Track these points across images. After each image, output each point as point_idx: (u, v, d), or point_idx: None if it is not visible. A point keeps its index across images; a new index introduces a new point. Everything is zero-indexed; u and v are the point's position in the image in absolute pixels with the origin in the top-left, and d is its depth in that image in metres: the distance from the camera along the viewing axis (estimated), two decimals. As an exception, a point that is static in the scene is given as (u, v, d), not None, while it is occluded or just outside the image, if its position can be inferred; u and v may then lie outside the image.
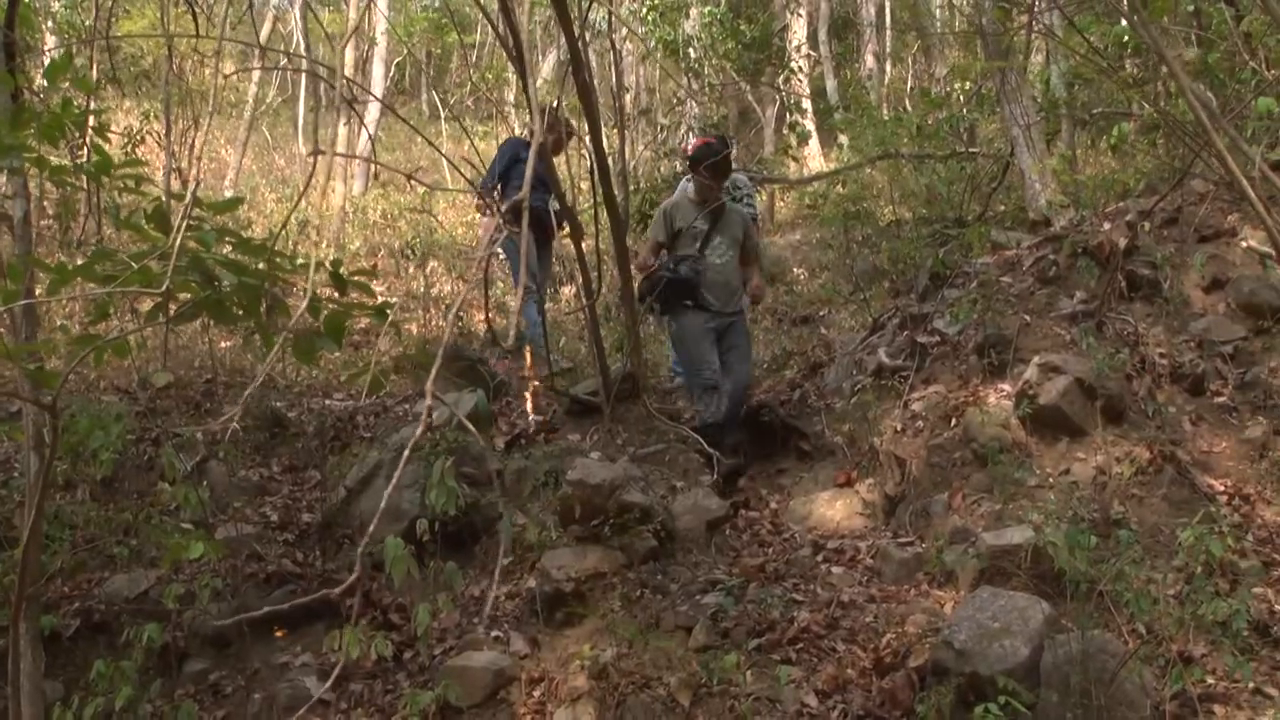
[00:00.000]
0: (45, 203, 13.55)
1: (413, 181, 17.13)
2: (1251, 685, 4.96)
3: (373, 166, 19.40)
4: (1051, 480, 6.76)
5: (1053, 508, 6.24)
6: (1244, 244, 7.19)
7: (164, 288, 2.93)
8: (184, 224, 3.09)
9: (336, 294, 3.64)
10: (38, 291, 5.08)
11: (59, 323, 10.78)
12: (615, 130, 10.47)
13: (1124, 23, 10.49)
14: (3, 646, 5.50)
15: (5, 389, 5.30)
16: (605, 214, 7.98)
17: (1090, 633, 4.96)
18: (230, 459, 8.66)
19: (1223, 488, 6.64)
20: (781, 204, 18.20)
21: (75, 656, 6.75)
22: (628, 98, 18.57)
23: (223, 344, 11.87)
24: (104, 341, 3.52)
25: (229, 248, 3.56)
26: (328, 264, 3.57)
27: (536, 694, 6.00)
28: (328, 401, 9.82)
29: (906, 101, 21.22)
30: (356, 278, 3.82)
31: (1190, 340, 7.87)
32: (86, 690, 6.08)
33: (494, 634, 6.54)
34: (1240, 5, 9.91)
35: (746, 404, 8.88)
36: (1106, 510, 6.29)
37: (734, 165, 9.93)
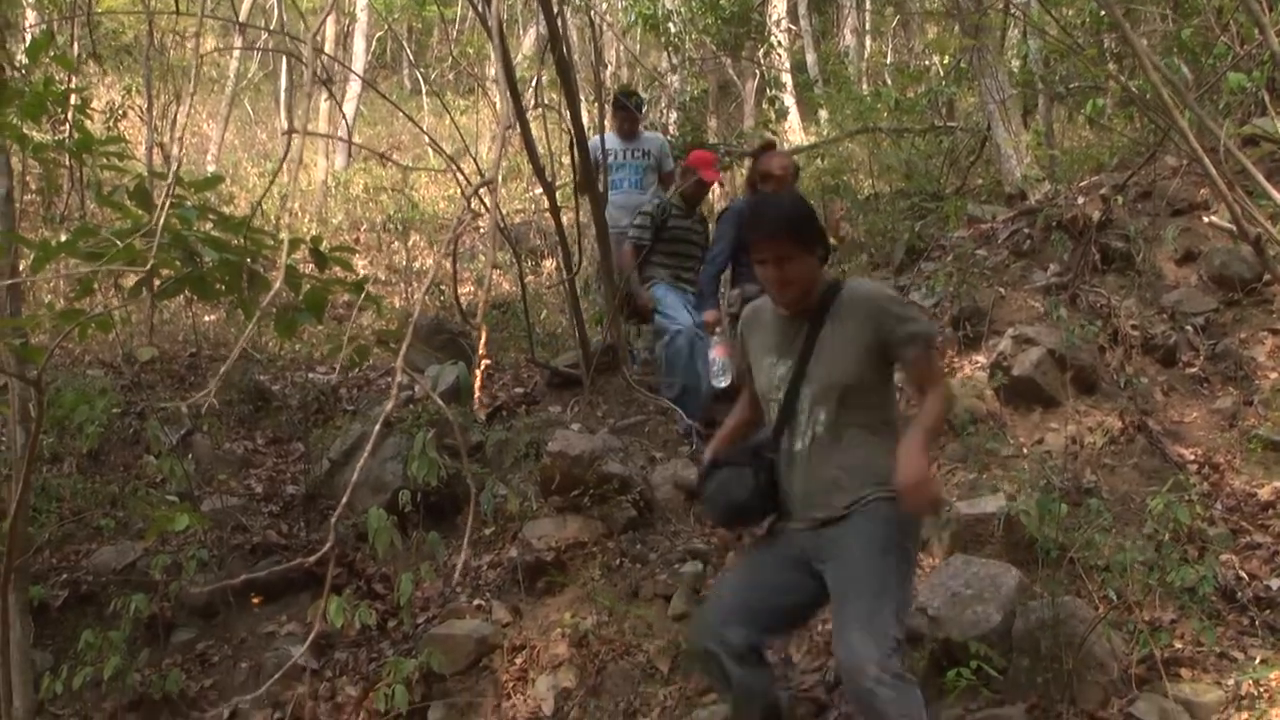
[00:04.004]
0: (28, 179, 13.51)
1: (388, 161, 17.17)
2: (1218, 649, 5.07)
3: (355, 140, 19.37)
4: (1025, 450, 6.85)
5: (1026, 477, 6.33)
6: (1206, 219, 7.27)
7: (148, 265, 2.99)
8: (166, 202, 3.16)
9: (316, 269, 3.71)
10: (21, 268, 5.13)
11: (46, 298, 10.80)
12: (595, 105, 10.48)
13: (1097, -2, 10.56)
14: (-9, 617, 5.58)
15: (-10, 364, 5.36)
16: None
17: (1061, 599, 5.05)
18: (214, 432, 8.72)
19: (1193, 457, 6.74)
20: (762, 178, 18.21)
21: (64, 627, 6.82)
22: (608, 73, 18.59)
23: (206, 318, 11.90)
24: (88, 317, 3.58)
25: (210, 224, 3.62)
26: (308, 239, 3.64)
27: (518, 661, 6.09)
28: (311, 375, 9.87)
29: (886, 76, 21.24)
30: (337, 253, 3.89)
31: (1162, 312, 7.97)
32: (75, 660, 6.17)
33: (476, 603, 6.63)
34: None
35: None
36: (1078, 479, 6.38)
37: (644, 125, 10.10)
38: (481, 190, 5.44)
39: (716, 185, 9.94)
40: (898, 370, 4.17)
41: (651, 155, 9.62)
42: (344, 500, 2.77)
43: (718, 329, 7.77)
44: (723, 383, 7.51)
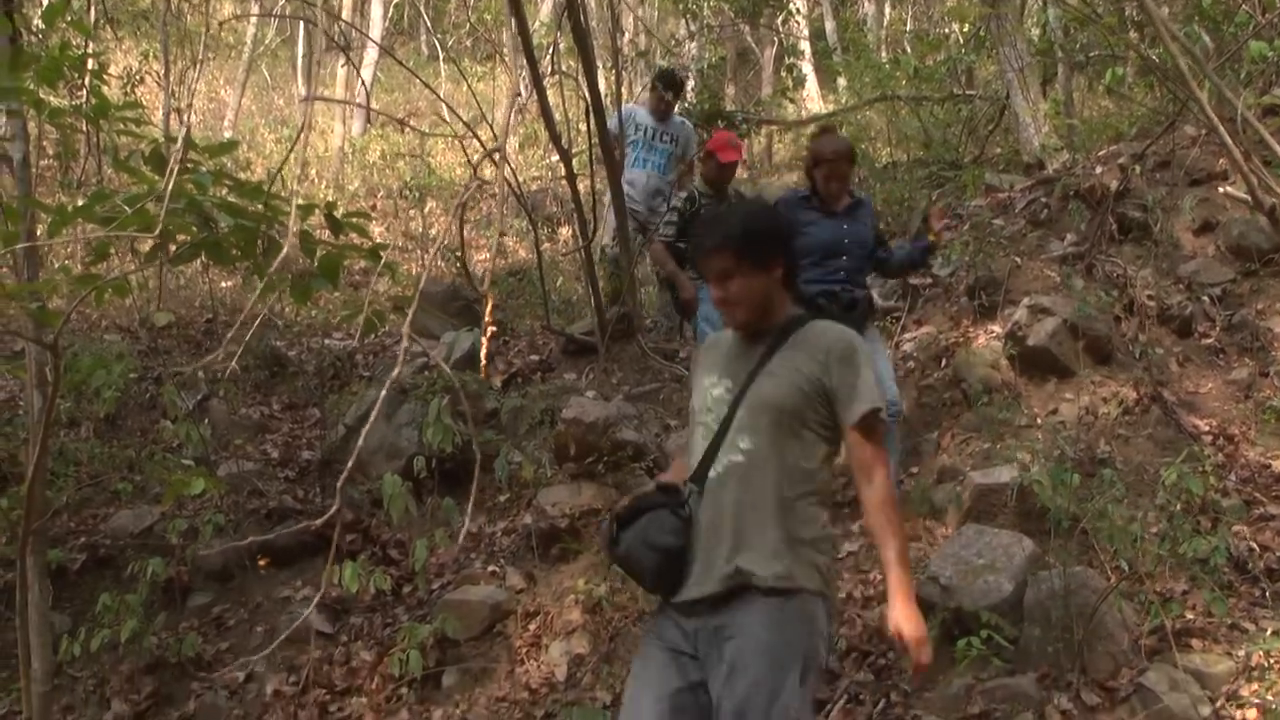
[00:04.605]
0: (45, 144, 13.55)
1: (405, 127, 17.14)
2: (1229, 621, 5.07)
3: (373, 106, 19.35)
4: (1039, 420, 6.85)
5: (1039, 447, 6.32)
6: (1221, 189, 7.23)
7: (158, 230, 3.01)
8: (178, 167, 3.17)
9: (331, 235, 3.72)
10: (39, 232, 5.15)
11: (63, 262, 10.84)
12: (611, 72, 10.46)
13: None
14: (11, 580, 5.63)
15: (8, 328, 5.38)
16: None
17: (1072, 569, 5.07)
18: (231, 398, 8.76)
19: (1208, 428, 6.73)
20: (779, 145, 18.16)
21: (82, 590, 6.89)
22: (625, 40, 18.52)
23: (224, 284, 11.93)
24: (104, 281, 3.60)
25: (226, 190, 3.63)
26: (323, 206, 3.65)
27: (532, 627, 6.13)
28: (327, 341, 9.90)
29: (906, 44, 21.12)
30: (352, 219, 3.90)
31: (1179, 282, 7.95)
32: (93, 622, 6.23)
33: (491, 569, 6.67)
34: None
35: None
36: (1092, 449, 6.38)
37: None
38: (492, 156, 5.43)
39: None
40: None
41: (678, 143, 9.56)
42: (349, 464, 2.78)
43: None
44: None
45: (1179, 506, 5.52)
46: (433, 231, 14.93)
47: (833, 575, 3.59)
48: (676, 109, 10.10)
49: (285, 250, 2.73)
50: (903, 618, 3.33)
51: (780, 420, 3.49)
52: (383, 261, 3.59)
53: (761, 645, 3.32)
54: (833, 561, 3.66)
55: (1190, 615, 5.11)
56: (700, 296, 7.55)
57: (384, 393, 2.73)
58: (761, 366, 3.57)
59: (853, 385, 3.48)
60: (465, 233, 10.87)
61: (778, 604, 3.36)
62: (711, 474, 3.54)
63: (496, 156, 3.39)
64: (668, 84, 9.53)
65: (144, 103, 5.71)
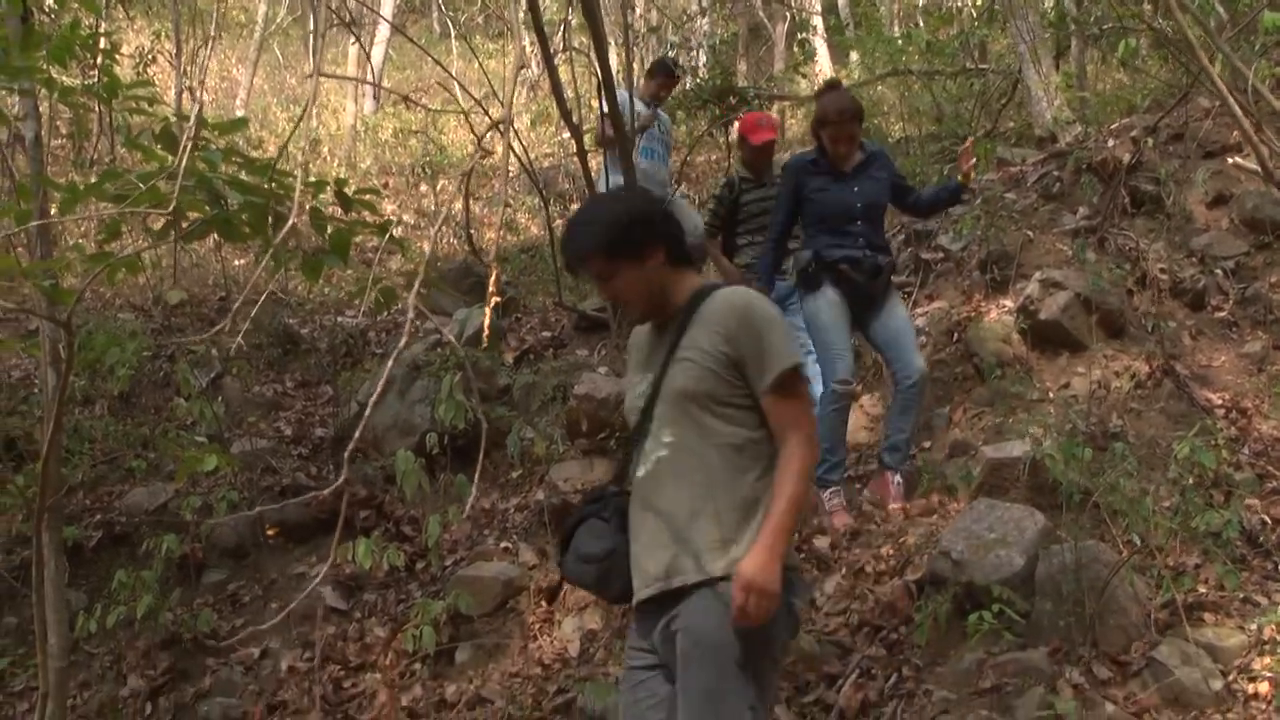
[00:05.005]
0: (58, 123, 13.58)
1: (413, 104, 17.11)
2: (1241, 594, 5.06)
3: (385, 84, 19.33)
4: (1051, 394, 6.84)
5: (1051, 421, 6.32)
6: (1231, 160, 7.20)
7: (170, 207, 3.02)
8: (189, 145, 3.17)
9: (342, 211, 3.72)
10: (52, 211, 5.17)
11: (77, 240, 10.88)
12: (622, 49, 10.44)
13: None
14: (27, 557, 5.67)
15: (22, 306, 5.41)
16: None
17: (1084, 543, 5.06)
18: (244, 375, 8.80)
19: (1220, 401, 6.71)
20: (792, 121, 18.11)
21: (98, 567, 6.94)
22: (636, 16, 18.46)
23: (236, 262, 11.96)
24: (116, 259, 3.61)
25: (236, 167, 3.64)
26: (333, 182, 3.65)
27: (545, 603, 6.14)
28: (340, 318, 9.93)
29: (919, 19, 21.05)
30: (365, 196, 3.91)
31: (1192, 255, 7.92)
32: (109, 599, 6.29)
33: (503, 545, 6.70)
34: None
35: None
36: (1104, 423, 6.37)
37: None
38: (496, 131, 5.43)
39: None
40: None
41: (668, 130, 9.51)
42: (355, 436, 2.79)
43: None
44: None
45: (1191, 480, 5.52)
46: (454, 207, 14.95)
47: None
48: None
49: (289, 224, 2.72)
50: (749, 562, 3.17)
51: (696, 405, 3.36)
52: (387, 235, 3.59)
53: (701, 636, 3.25)
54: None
55: (1202, 589, 5.10)
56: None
57: (389, 365, 2.75)
58: (671, 354, 3.42)
59: (759, 351, 3.32)
60: (478, 210, 10.90)
61: (716, 595, 3.24)
62: (640, 472, 3.44)
63: (503, 129, 3.38)
64: (672, 69, 9.48)
65: (156, 82, 5.73)
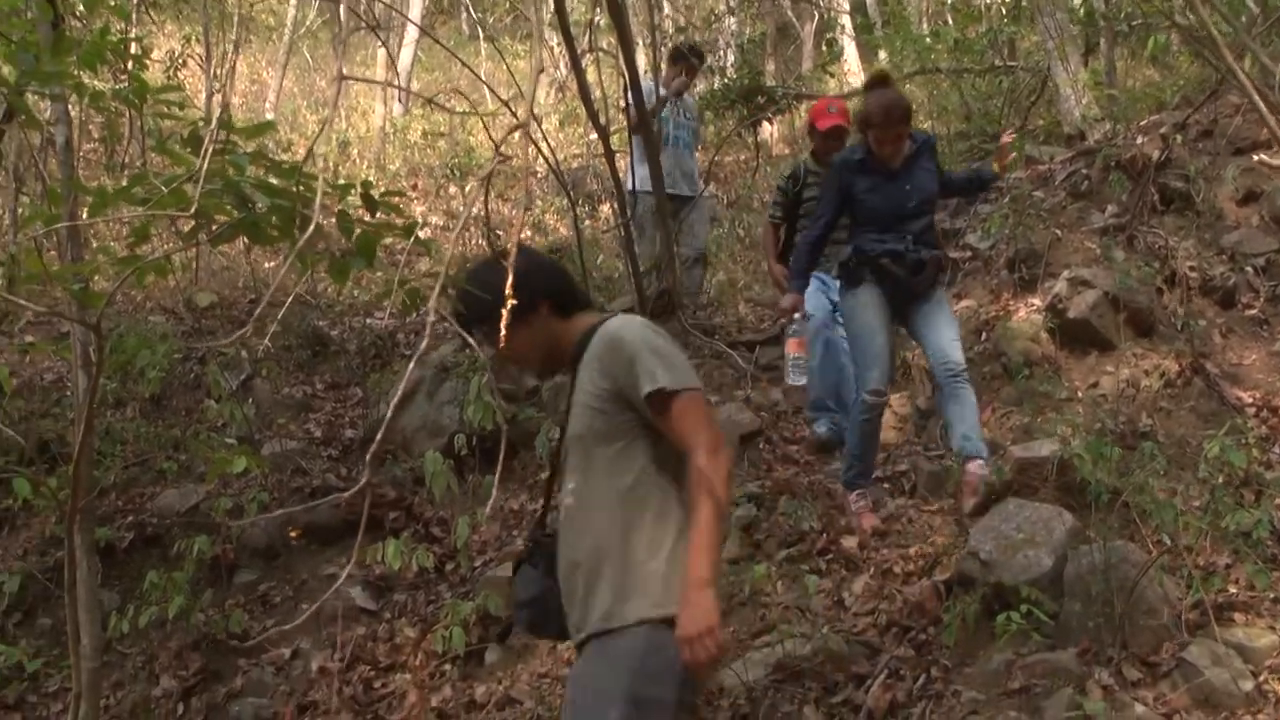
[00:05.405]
0: (91, 127, 13.68)
1: (437, 106, 17.16)
2: (1272, 594, 5.02)
3: (412, 87, 19.39)
4: (1080, 393, 6.82)
5: (1080, 421, 6.29)
6: (1256, 158, 7.16)
7: (193, 210, 3.04)
8: (212, 149, 3.20)
9: (368, 214, 3.74)
10: (82, 214, 5.21)
11: (109, 243, 10.96)
12: (650, 49, 10.45)
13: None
14: (61, 558, 5.71)
15: (53, 310, 5.46)
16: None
17: (1113, 543, 5.03)
18: (274, 377, 8.84)
19: (1251, 400, 6.68)
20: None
21: (130, 568, 6.99)
22: (663, 16, 18.46)
23: (266, 264, 12.02)
24: (145, 262, 3.64)
25: (263, 170, 3.66)
26: (358, 186, 3.67)
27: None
28: (369, 320, 9.96)
29: (948, 16, 20.99)
30: (393, 199, 3.93)
31: (1222, 253, 7.89)
32: (141, 599, 6.34)
33: (532, 546, 6.69)
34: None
35: None
36: (1134, 423, 6.35)
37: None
38: (517, 133, 5.44)
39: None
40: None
41: (694, 117, 9.45)
42: (379, 437, 2.81)
43: (795, 316, 6.20)
44: (799, 382, 6.37)
45: (1221, 479, 5.49)
46: (475, 211, 14.98)
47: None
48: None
49: (313, 226, 2.74)
50: (683, 604, 3.03)
51: (592, 448, 3.29)
52: (412, 237, 3.61)
53: (581, 693, 3.22)
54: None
55: (1233, 589, 5.07)
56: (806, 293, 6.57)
57: (410, 369, 2.76)
58: (569, 400, 3.41)
59: (633, 378, 3.18)
60: (507, 212, 10.92)
61: (602, 646, 3.18)
62: (559, 520, 3.43)
63: (524, 131, 3.39)
64: (695, 55, 9.41)
65: (187, 85, 5.78)
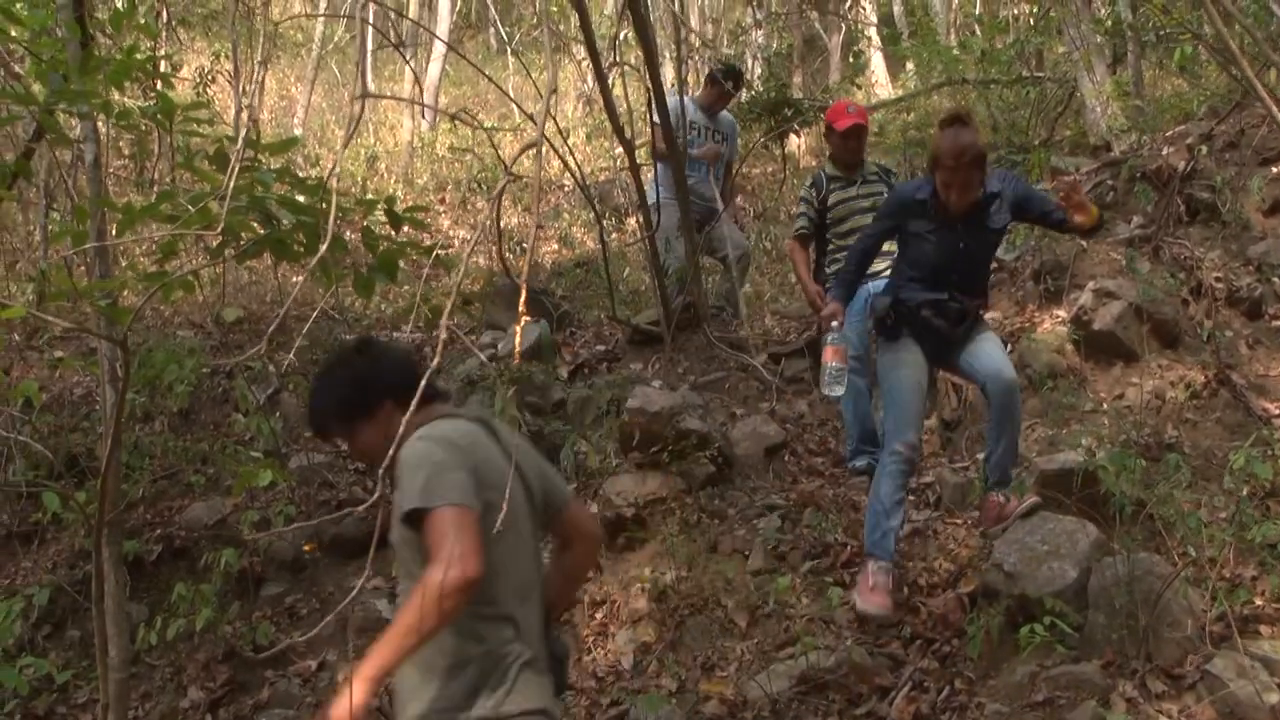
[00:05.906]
0: (120, 145, 13.78)
1: (461, 121, 17.24)
2: (1298, 607, 5.03)
3: (440, 101, 19.47)
4: (1105, 405, 6.81)
5: (1105, 432, 6.29)
6: (1275, 169, 7.12)
7: (219, 227, 3.08)
8: (238, 166, 3.24)
9: (392, 229, 3.79)
10: (110, 231, 5.27)
11: (133, 260, 11.04)
12: (675, 64, 10.48)
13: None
14: (89, 571, 5.76)
15: (81, 325, 5.52)
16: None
17: (1137, 555, 5.03)
18: (301, 391, 8.88)
19: (1278, 411, 6.66)
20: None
21: (158, 580, 7.04)
22: (691, 28, 18.51)
23: (294, 279, 12.08)
24: (172, 278, 3.69)
25: (288, 187, 3.71)
26: (382, 202, 3.72)
27: (599, 615, 6.18)
28: (395, 334, 10.00)
29: (977, 28, 20.98)
30: (419, 213, 3.97)
31: (1248, 264, 7.86)
32: (169, 612, 6.39)
33: (558, 559, 6.71)
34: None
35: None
36: (1159, 434, 6.33)
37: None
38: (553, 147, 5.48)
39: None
40: None
41: (726, 139, 9.39)
42: (391, 452, 2.85)
43: (834, 324, 5.68)
44: (835, 392, 5.88)
45: (1246, 491, 5.47)
46: (503, 224, 15.05)
47: (487, 673, 3.26)
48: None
49: (328, 240, 2.78)
50: (335, 702, 3.07)
51: (402, 556, 3.38)
52: (437, 257, 3.65)
53: None
54: (491, 656, 3.27)
55: (1258, 601, 5.06)
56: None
57: (423, 384, 2.79)
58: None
59: (400, 496, 3.21)
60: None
61: None
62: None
63: (537, 150, 3.43)
64: (731, 77, 9.31)
65: (216, 102, 5.84)
